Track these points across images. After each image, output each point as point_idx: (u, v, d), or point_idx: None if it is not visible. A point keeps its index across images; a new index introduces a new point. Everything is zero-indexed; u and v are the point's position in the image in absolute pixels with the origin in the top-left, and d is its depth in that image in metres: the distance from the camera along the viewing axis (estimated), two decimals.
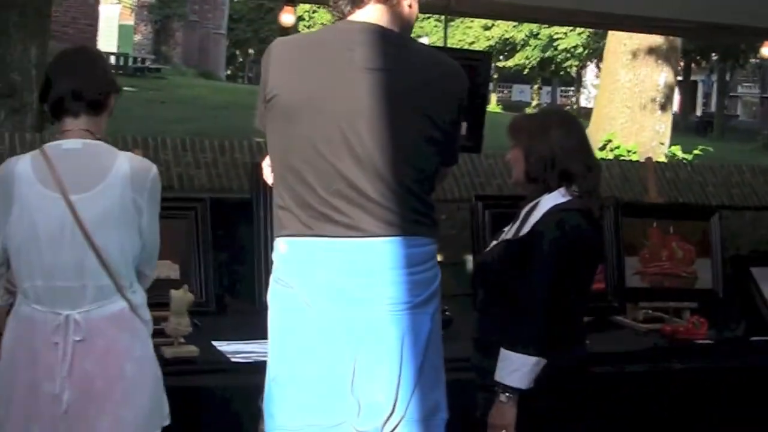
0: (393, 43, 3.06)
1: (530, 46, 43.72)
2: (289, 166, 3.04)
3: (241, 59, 54.48)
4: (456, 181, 7.24)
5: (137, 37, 38.83)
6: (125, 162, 3.29)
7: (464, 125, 5.49)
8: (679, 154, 14.69)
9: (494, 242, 3.77)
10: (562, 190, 3.60)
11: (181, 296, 4.23)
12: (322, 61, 3.04)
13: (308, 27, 41.21)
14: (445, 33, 7.07)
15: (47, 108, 3.36)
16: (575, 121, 3.82)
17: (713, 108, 48.92)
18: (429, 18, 37.34)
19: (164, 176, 3.99)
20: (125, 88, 3.84)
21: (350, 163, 2.97)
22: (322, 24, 36.44)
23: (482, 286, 3.75)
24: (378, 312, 2.98)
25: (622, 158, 12.84)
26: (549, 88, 53.28)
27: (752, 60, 39.21)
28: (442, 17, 7.62)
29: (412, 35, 3.31)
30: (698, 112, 51.14)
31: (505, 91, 53.09)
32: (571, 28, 36.73)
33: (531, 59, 44.13)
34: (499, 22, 38.52)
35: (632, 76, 14.71)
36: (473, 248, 5.30)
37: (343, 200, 2.97)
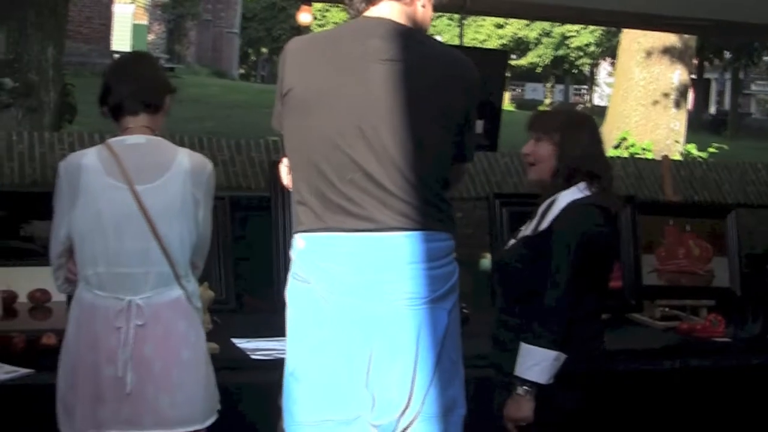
0: (406, 37, 3.09)
1: (543, 44, 43.64)
2: (306, 160, 3.07)
3: (254, 58, 54.51)
4: (472, 180, 7.23)
5: (151, 37, 38.87)
6: (185, 157, 3.50)
7: (480, 124, 5.56)
8: (694, 152, 14.64)
9: (512, 241, 3.80)
10: (580, 185, 3.63)
11: (201, 293, 4.24)
12: (337, 55, 3.08)
13: (321, 26, 41.21)
14: (461, 32, 7.06)
15: (107, 111, 3.55)
16: (594, 122, 3.88)
17: (727, 106, 48.78)
18: (441, 17, 37.32)
19: None
20: None
21: (366, 153, 3.00)
22: (334, 23, 36.47)
23: (501, 284, 3.77)
24: (395, 306, 2.99)
25: (637, 156, 12.82)
26: (562, 86, 53.18)
27: (765, 57, 39.09)
28: (455, 16, 7.62)
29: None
30: (712, 110, 51.00)
31: (518, 90, 52.97)
32: (583, 26, 36.67)
33: (544, 57, 44.05)
34: (511, 20, 38.50)
35: (646, 74, 14.68)
36: (491, 246, 5.32)
37: (359, 191, 2.99)
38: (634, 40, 14.76)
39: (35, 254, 4.63)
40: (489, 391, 3.67)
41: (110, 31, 30.28)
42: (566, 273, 3.49)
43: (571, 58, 43.51)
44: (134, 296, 3.39)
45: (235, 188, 6.43)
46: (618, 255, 5.20)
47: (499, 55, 6.19)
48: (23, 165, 6.22)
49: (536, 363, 3.45)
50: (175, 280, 3.45)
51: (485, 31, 42.81)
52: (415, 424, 3.05)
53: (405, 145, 3.01)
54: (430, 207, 3.06)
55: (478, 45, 38.19)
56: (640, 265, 5.51)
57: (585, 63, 45.07)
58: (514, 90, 51.03)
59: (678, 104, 14.81)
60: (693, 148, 14.76)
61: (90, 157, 3.46)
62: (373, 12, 3.13)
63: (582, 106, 44.48)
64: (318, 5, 12.33)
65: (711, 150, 14.80)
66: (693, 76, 38.53)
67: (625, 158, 10.35)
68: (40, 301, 4.55)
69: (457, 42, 7.33)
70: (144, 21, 38.58)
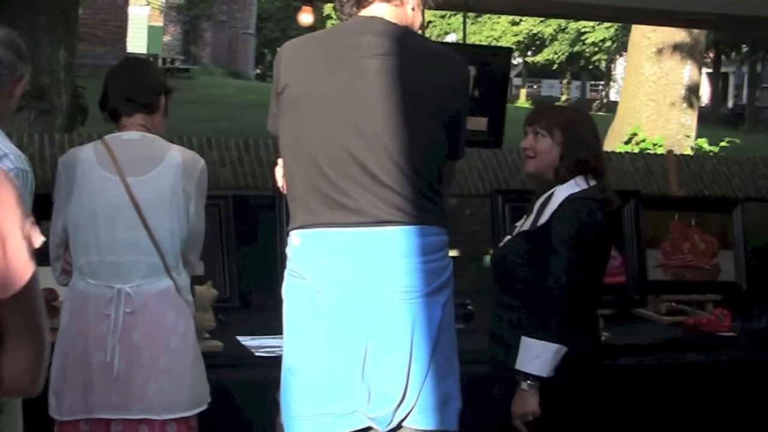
0: (399, 34, 3.14)
1: (558, 40, 43.52)
2: (302, 156, 3.11)
3: (269, 58, 54.56)
4: (480, 177, 7.27)
5: (166, 38, 38.93)
6: (177, 153, 3.64)
7: (485, 120, 5.57)
8: (705, 146, 14.62)
9: (509, 236, 3.82)
10: (578, 179, 3.65)
11: (205, 292, 4.29)
12: (331, 51, 3.15)
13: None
14: (464, 29, 7.09)
15: (107, 115, 3.72)
16: (592, 119, 3.90)
17: (744, 100, 48.53)
18: (456, 15, 37.30)
19: None
20: None
21: (361, 147, 3.03)
22: None
23: (499, 279, 3.78)
24: (390, 300, 3.03)
25: (647, 151, 12.81)
26: (578, 83, 53.04)
27: None
28: (470, 13, 7.64)
29: (439, 32, 3.38)
30: (730, 104, 50.74)
31: (535, 87, 52.84)
32: (598, 22, 36.53)
33: (559, 54, 43.94)
34: (526, 17, 38.37)
35: (657, 69, 14.67)
36: (493, 242, 5.33)
37: (354, 184, 3.03)
38: (644, 36, 14.75)
39: (45, 255, 4.68)
40: (488, 386, 3.69)
41: (125, 33, 30.33)
42: (565, 267, 3.50)
43: (587, 54, 43.37)
44: (124, 285, 3.51)
45: (243, 188, 6.47)
46: (620, 248, 5.21)
47: (503, 52, 6.19)
48: (34, 166, 6.17)
49: (537, 356, 3.46)
50: (165, 271, 3.56)
51: (500, 28, 42.73)
52: (411, 417, 3.08)
53: (400, 138, 3.05)
54: (425, 201, 3.10)
55: (494, 42, 38.20)
56: (645, 259, 5.51)
57: (601, 59, 44.91)
58: (530, 87, 50.93)
59: (688, 99, 14.79)
60: (704, 143, 14.74)
61: (86, 151, 3.63)
62: (364, 13, 3.19)
63: (599, 102, 44.37)
64: (332, 4, 12.36)
65: (723, 144, 14.77)
66: (709, 71, 38.34)
67: (635, 154, 10.34)
68: (47, 300, 4.60)
69: (465, 39, 7.34)
70: (159, 23, 38.65)
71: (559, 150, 3.68)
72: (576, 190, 3.63)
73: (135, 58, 4.46)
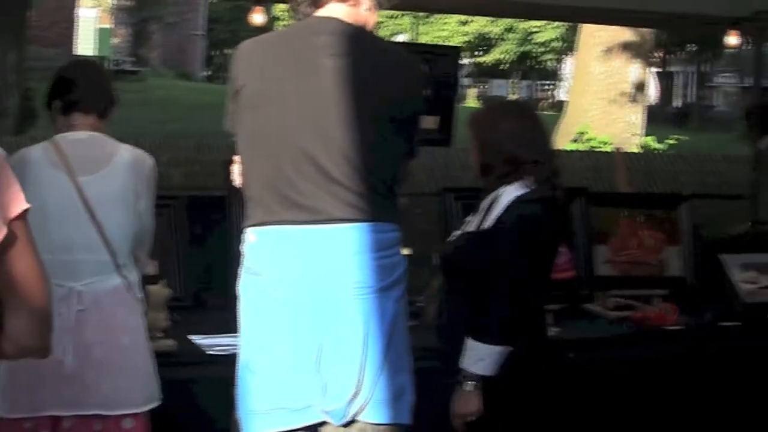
0: (354, 34, 3.19)
1: (507, 40, 43.75)
2: (259, 154, 3.15)
3: (220, 60, 54.34)
4: (430, 174, 7.30)
5: (116, 40, 38.72)
6: (127, 151, 3.70)
7: (435, 119, 5.63)
8: (653, 144, 14.78)
9: (457, 232, 3.82)
10: (522, 182, 3.62)
11: (158, 291, 4.29)
12: (287, 51, 3.19)
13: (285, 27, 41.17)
14: (416, 29, 7.16)
15: (60, 103, 3.72)
16: (529, 112, 3.89)
17: (692, 99, 49.02)
18: (405, 15, 37.37)
19: None
20: None
21: (317, 145, 3.08)
22: None
23: (446, 276, 3.81)
24: (343, 295, 3.07)
25: (595, 149, 12.93)
26: (527, 82, 53.29)
27: (727, 50, 39.27)
28: (419, 14, 7.68)
29: (389, 32, 3.44)
30: (677, 103, 51.20)
31: (484, 87, 52.99)
32: (547, 21, 36.78)
33: (508, 54, 44.17)
34: (475, 17, 38.55)
35: (604, 68, 14.81)
36: (443, 240, 5.36)
37: (309, 182, 3.08)
38: (592, 35, 14.88)
39: None
40: (437, 381, 3.71)
41: (74, 35, 30.12)
42: (511, 269, 3.50)
43: (536, 54, 43.65)
44: (75, 283, 3.53)
45: (195, 189, 6.47)
46: (569, 244, 5.24)
47: (453, 52, 6.26)
48: None
49: (482, 358, 3.46)
50: (115, 269, 3.59)
51: (450, 29, 42.89)
52: (366, 411, 3.12)
53: (354, 136, 3.09)
54: (379, 198, 3.14)
55: (443, 42, 38.31)
56: (592, 256, 5.56)
57: (550, 59, 45.22)
58: (479, 87, 51.08)
59: (636, 98, 14.95)
60: (652, 141, 14.90)
61: (35, 151, 3.64)
62: (320, 13, 3.22)
63: (547, 101, 44.63)
64: (282, 6, 12.36)
65: (669, 142, 14.94)
66: (657, 70, 38.65)
67: (583, 151, 10.45)
68: None
69: (416, 39, 7.39)
70: (108, 25, 38.42)
71: (478, 148, 3.71)
72: (522, 191, 3.61)
73: (96, 61, 4.46)
